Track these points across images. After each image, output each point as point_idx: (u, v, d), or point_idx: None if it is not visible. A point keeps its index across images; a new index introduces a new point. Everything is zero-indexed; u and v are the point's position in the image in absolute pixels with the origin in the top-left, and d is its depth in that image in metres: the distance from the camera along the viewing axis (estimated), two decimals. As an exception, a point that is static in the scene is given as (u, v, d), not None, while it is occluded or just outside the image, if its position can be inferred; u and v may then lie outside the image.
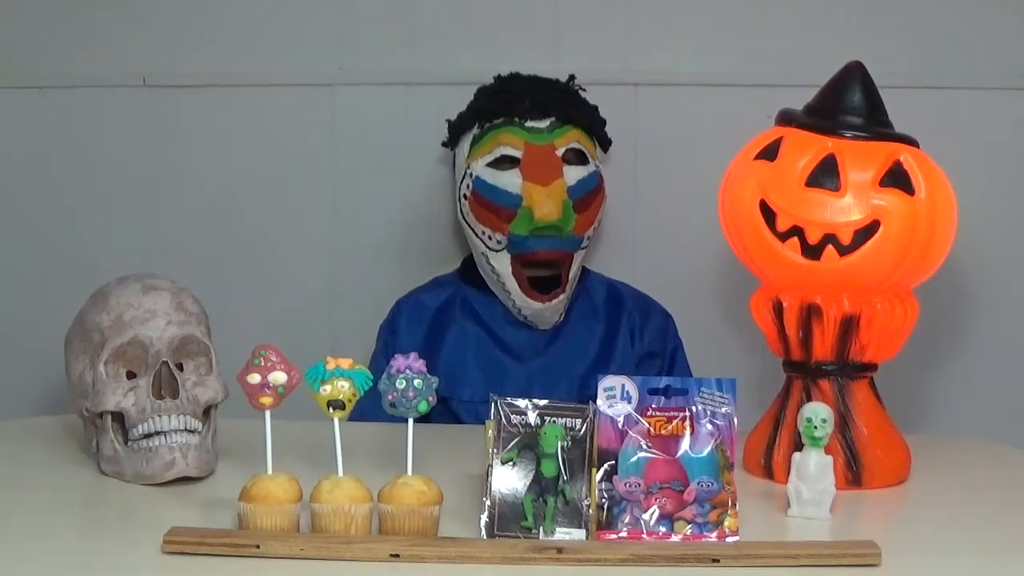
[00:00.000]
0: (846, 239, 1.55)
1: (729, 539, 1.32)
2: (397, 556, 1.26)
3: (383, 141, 2.28)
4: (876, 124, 1.60)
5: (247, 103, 2.31)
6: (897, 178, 1.56)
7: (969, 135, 2.22)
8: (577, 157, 2.03)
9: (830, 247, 1.56)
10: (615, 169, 2.22)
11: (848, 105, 1.60)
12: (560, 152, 2.01)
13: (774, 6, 2.28)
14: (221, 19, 2.30)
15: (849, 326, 1.58)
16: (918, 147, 1.60)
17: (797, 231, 1.57)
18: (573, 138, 2.03)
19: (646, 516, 1.33)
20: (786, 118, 1.64)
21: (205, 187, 2.32)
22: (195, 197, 2.32)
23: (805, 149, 1.58)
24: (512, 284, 2.02)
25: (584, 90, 2.10)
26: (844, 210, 1.55)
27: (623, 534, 1.33)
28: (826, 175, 1.56)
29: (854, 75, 1.62)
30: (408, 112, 2.26)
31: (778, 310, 1.61)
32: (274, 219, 2.32)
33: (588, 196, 2.02)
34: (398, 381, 1.35)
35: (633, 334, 2.10)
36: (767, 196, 1.60)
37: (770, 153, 1.61)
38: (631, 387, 1.38)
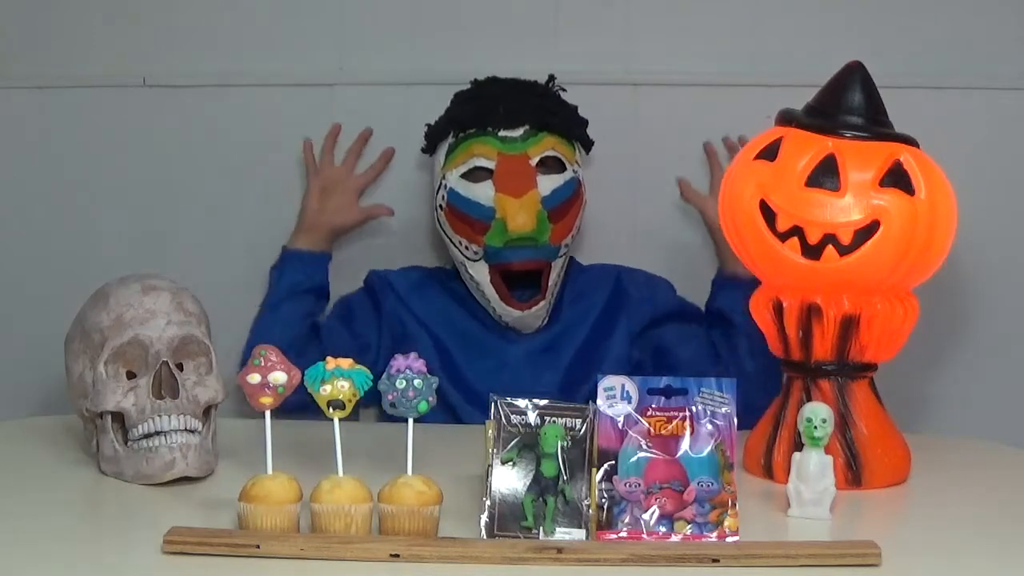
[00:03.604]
0: (846, 239, 1.55)
1: (729, 539, 1.32)
2: (397, 556, 1.26)
3: (383, 141, 2.28)
4: (876, 124, 1.60)
5: (247, 103, 2.30)
6: (897, 178, 1.56)
7: (969, 135, 2.22)
8: (553, 165, 2.01)
9: (830, 247, 1.56)
10: (615, 169, 2.22)
11: (848, 105, 1.60)
12: (534, 161, 1.99)
13: (774, 6, 2.28)
14: (221, 19, 2.30)
15: (849, 326, 1.58)
16: (918, 147, 1.60)
17: (797, 231, 1.57)
18: (548, 146, 2.00)
19: (646, 516, 1.33)
20: (786, 118, 1.64)
21: (205, 187, 2.32)
22: (195, 197, 2.32)
23: (805, 149, 1.58)
24: (491, 292, 2.01)
25: (564, 90, 2.09)
26: (844, 210, 1.55)
27: (623, 534, 1.33)
28: (826, 175, 1.56)
29: (854, 75, 1.62)
30: (408, 112, 2.26)
31: (778, 310, 1.61)
32: (274, 219, 2.31)
33: (564, 205, 2.00)
34: (398, 381, 1.34)
35: (623, 314, 2.09)
36: (767, 196, 1.59)
37: (770, 153, 1.61)
38: (631, 387, 1.38)
